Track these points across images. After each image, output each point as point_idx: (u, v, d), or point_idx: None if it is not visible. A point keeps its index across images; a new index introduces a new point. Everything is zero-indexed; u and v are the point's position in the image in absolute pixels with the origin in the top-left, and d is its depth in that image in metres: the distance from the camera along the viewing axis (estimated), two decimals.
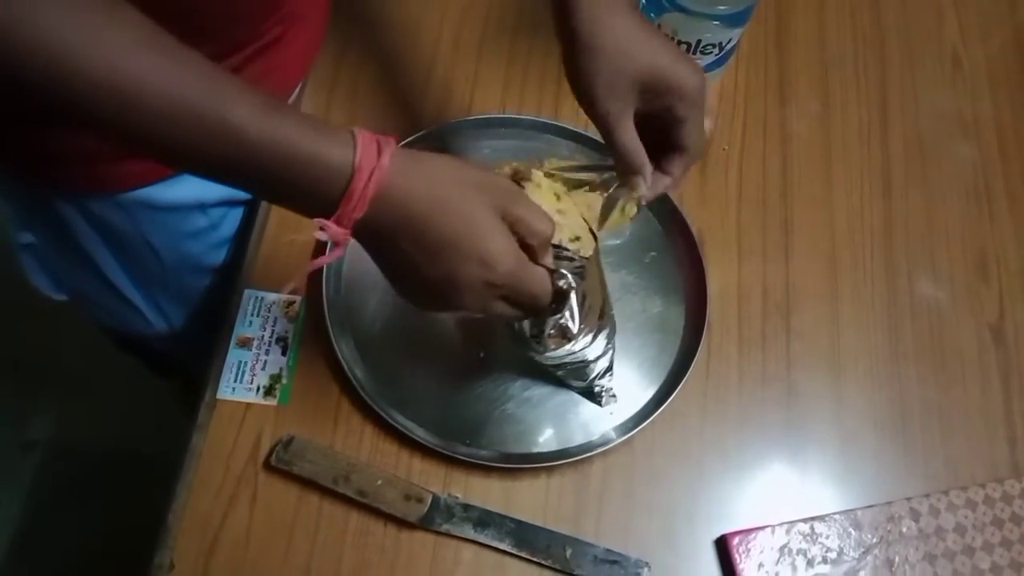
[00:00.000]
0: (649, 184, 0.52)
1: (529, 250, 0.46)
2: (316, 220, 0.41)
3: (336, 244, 0.43)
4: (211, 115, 0.39)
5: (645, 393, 0.63)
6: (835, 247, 0.70)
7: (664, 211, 0.69)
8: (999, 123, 0.77)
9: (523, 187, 0.51)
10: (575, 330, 0.50)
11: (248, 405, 0.61)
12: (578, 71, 0.49)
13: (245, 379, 0.61)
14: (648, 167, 0.52)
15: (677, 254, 0.68)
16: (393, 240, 0.44)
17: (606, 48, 0.48)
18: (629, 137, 0.50)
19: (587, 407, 0.62)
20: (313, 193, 0.41)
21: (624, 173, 0.52)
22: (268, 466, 0.59)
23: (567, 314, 0.50)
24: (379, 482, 0.57)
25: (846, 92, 0.78)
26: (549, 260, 0.47)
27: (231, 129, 0.39)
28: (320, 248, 0.62)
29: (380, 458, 0.60)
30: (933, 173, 0.75)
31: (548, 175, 0.53)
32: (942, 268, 0.71)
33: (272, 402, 0.61)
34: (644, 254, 0.68)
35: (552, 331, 0.50)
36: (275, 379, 0.62)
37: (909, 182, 0.74)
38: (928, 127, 0.77)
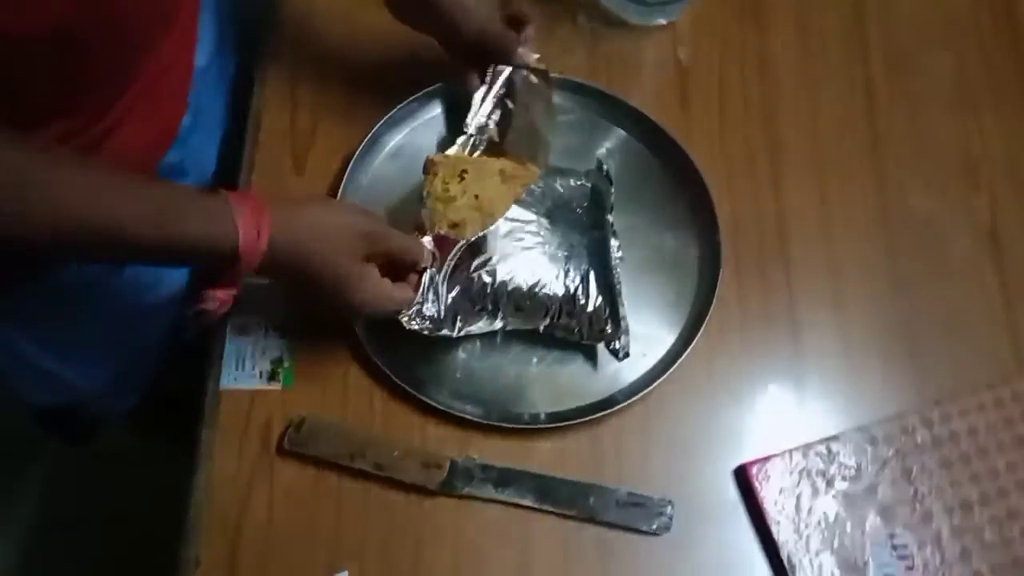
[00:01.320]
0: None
1: (402, 269, 0.57)
2: (203, 293, 0.52)
3: (221, 304, 0.52)
4: (106, 230, 0.46)
5: (669, 337, 0.62)
6: (824, 167, 0.70)
7: (662, 145, 0.68)
8: (978, 27, 0.76)
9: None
10: (439, 316, 0.58)
11: (253, 392, 0.60)
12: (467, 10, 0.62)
13: (246, 367, 0.60)
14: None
15: (679, 188, 0.67)
16: (281, 281, 0.58)
17: None
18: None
19: (601, 359, 0.61)
20: (210, 267, 0.52)
21: (510, 62, 0.65)
22: (282, 450, 0.58)
23: (417, 310, 0.57)
24: (396, 453, 0.57)
25: (823, 9, 0.76)
26: (424, 264, 0.57)
27: (129, 239, 0.47)
28: None
29: (394, 429, 0.59)
30: (916, 84, 0.74)
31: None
32: (932, 177, 0.70)
33: (277, 386, 0.60)
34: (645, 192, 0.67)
35: (416, 325, 0.57)
36: (277, 363, 0.61)
37: (893, 95, 0.73)
38: (907, 38, 0.75)
